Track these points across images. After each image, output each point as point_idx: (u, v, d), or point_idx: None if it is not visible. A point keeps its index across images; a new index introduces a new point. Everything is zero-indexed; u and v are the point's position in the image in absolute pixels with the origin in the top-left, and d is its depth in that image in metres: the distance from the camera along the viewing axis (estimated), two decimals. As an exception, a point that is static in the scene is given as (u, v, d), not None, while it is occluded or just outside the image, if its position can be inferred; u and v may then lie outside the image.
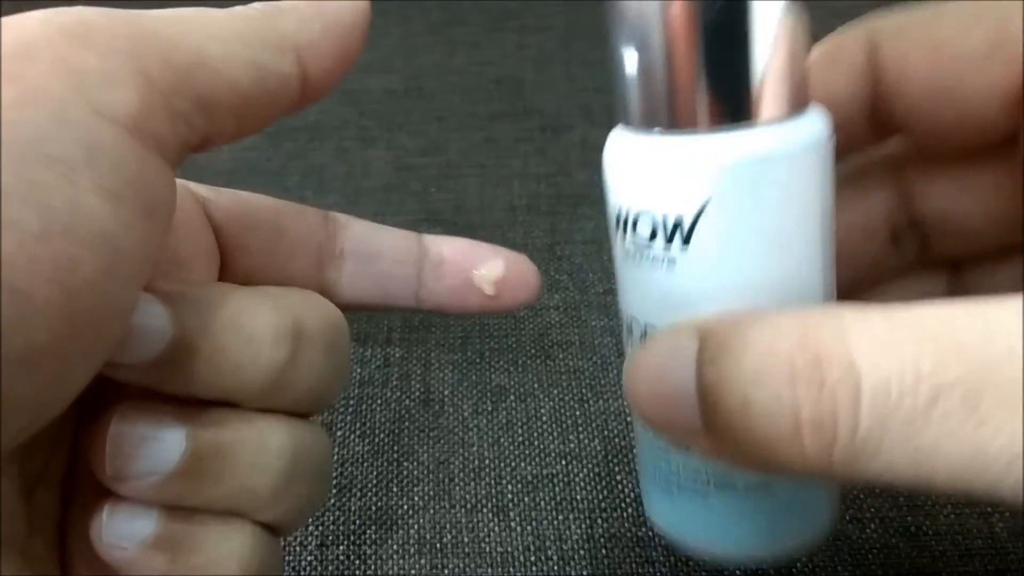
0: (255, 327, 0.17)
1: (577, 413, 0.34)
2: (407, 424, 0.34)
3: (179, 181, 0.21)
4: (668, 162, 0.17)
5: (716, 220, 0.16)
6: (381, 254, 0.23)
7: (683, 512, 0.20)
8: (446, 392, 0.35)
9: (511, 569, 0.29)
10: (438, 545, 0.30)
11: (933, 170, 0.22)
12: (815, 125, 0.17)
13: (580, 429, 0.33)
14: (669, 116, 0.17)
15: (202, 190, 0.22)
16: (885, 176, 0.22)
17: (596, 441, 0.33)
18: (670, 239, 0.17)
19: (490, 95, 0.53)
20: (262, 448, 0.18)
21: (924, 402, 0.12)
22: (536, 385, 0.35)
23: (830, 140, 0.17)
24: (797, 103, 0.17)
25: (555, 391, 0.35)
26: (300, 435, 0.19)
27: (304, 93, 0.18)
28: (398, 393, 0.35)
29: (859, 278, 0.23)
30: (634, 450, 0.21)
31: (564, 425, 0.33)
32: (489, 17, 0.60)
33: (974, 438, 0.12)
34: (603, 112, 0.51)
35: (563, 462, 0.32)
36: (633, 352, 0.18)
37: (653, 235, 0.17)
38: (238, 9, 0.18)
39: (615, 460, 0.32)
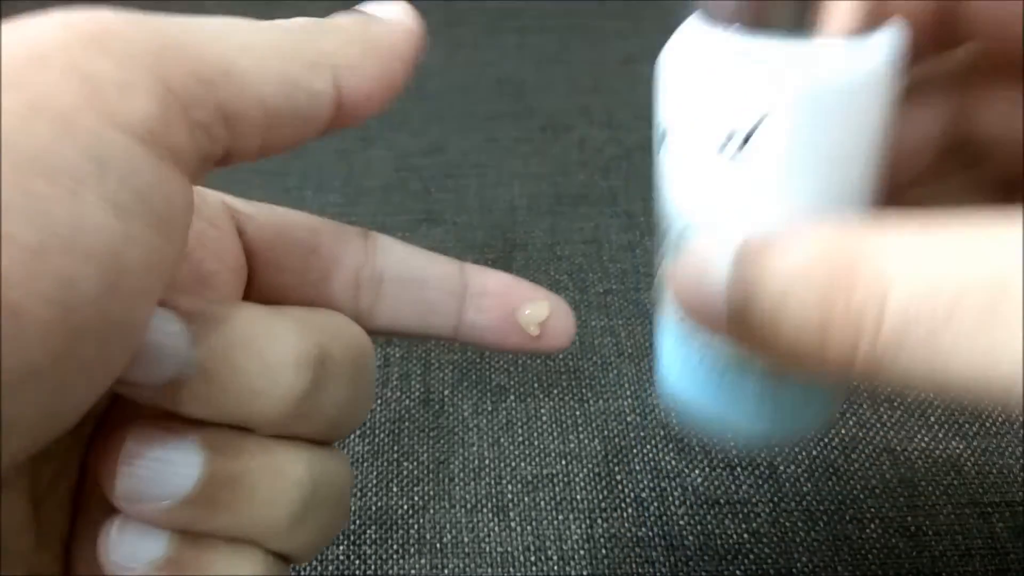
0: (275, 352, 0.16)
1: (577, 413, 0.34)
2: (407, 424, 0.34)
3: (213, 193, 0.21)
4: (738, 64, 0.17)
5: (776, 130, 0.17)
6: (422, 281, 0.22)
7: (699, 390, 0.20)
8: (446, 392, 0.35)
9: (511, 569, 0.29)
10: (438, 545, 0.30)
11: (994, 88, 0.21)
12: (891, 43, 0.17)
13: (580, 429, 0.33)
14: (749, 14, 0.17)
15: (237, 203, 0.21)
16: (945, 90, 0.22)
17: (596, 441, 0.33)
18: (728, 143, 0.17)
19: (490, 95, 0.53)
20: (280, 477, 0.17)
21: (945, 311, 0.13)
22: (536, 385, 0.35)
23: (902, 60, 0.17)
24: (878, 18, 0.17)
25: (555, 391, 0.35)
26: (320, 464, 0.18)
27: (338, 115, 0.17)
28: (398, 393, 0.35)
29: (904, 189, 0.23)
30: (654, 334, 0.22)
31: (564, 425, 0.33)
32: (489, 17, 0.60)
33: (991, 340, 0.13)
34: (603, 112, 0.51)
35: (563, 462, 0.32)
36: (674, 252, 0.19)
37: (711, 138, 0.17)
38: (277, 22, 0.17)
39: (615, 460, 0.32)
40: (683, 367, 0.20)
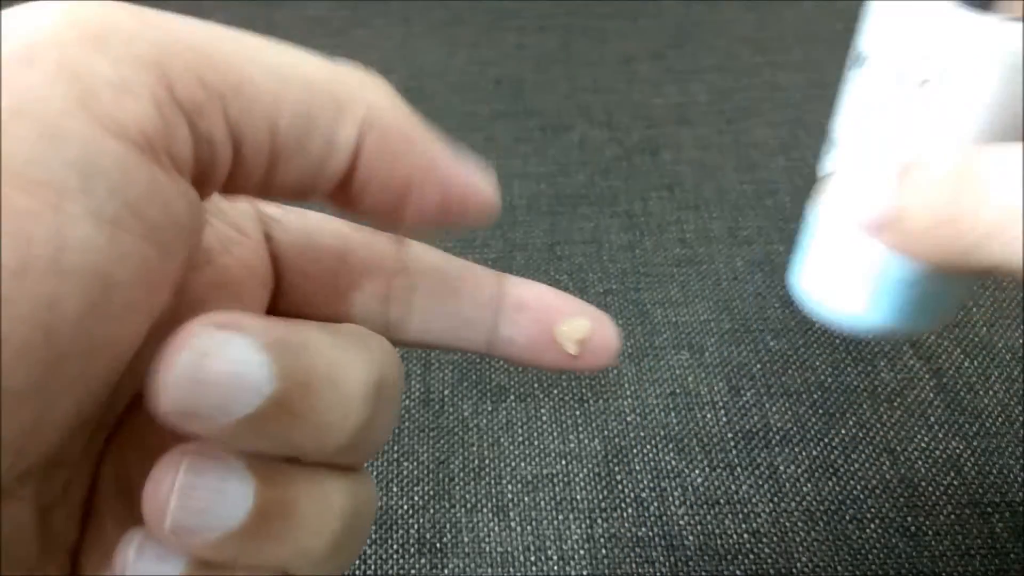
0: (350, 383, 0.15)
1: (577, 413, 0.34)
2: (407, 424, 0.34)
3: (243, 198, 0.20)
4: (952, 14, 0.19)
5: (970, 79, 0.19)
6: (456, 292, 0.20)
7: (839, 284, 0.23)
8: (446, 392, 0.35)
9: (511, 569, 0.29)
10: (438, 545, 0.30)
11: None
12: None
13: (580, 429, 0.33)
14: None
15: (268, 208, 0.20)
16: None
17: (596, 441, 0.33)
18: (925, 81, 0.19)
19: (490, 95, 0.53)
20: (327, 508, 0.16)
21: None
22: (536, 385, 0.35)
23: None
24: None
25: (555, 391, 0.35)
26: (358, 492, 0.17)
27: (345, 186, 0.16)
28: (398, 393, 0.35)
29: None
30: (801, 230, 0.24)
31: (564, 425, 0.33)
32: (489, 17, 0.60)
33: None
34: (603, 112, 0.51)
35: (563, 462, 0.32)
36: (848, 168, 0.22)
37: (909, 72, 0.20)
38: (318, 57, 0.16)
39: (615, 460, 0.32)
40: (824, 264, 0.23)
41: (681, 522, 0.30)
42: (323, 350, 0.15)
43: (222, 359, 0.13)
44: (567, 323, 0.20)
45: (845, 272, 0.22)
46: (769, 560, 0.29)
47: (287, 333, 0.15)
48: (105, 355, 0.13)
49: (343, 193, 0.16)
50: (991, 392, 0.34)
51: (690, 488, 0.31)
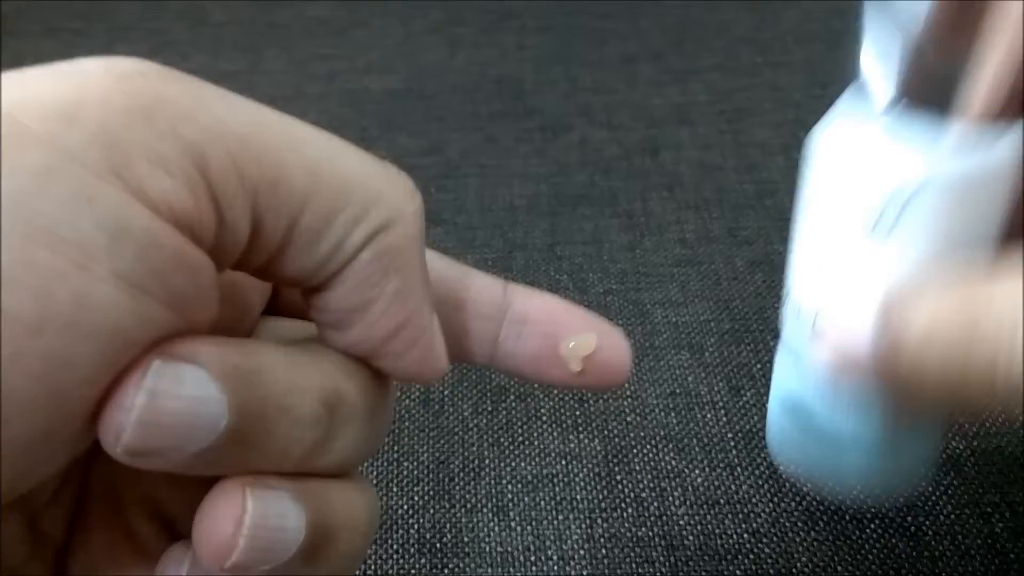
0: (303, 406, 0.15)
1: (577, 413, 0.34)
2: (407, 424, 0.34)
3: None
4: (891, 147, 0.19)
5: (922, 210, 0.19)
6: (459, 302, 0.20)
7: (815, 454, 0.23)
8: (446, 392, 0.35)
9: (511, 569, 0.29)
10: (438, 545, 0.30)
11: None
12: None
13: (580, 429, 0.33)
14: (907, 96, 0.19)
15: None
16: None
17: (596, 441, 0.33)
18: (876, 223, 0.20)
19: (490, 95, 0.53)
20: (358, 520, 0.17)
21: None
22: (536, 385, 0.35)
23: None
24: (1014, 113, 0.19)
25: (555, 391, 0.35)
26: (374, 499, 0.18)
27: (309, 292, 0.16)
28: (398, 393, 0.35)
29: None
30: (768, 403, 0.23)
31: (564, 425, 0.33)
32: (489, 17, 0.60)
33: None
34: (603, 112, 0.51)
35: (563, 462, 0.32)
36: (826, 313, 0.22)
37: (860, 216, 0.20)
38: (357, 153, 0.16)
39: (615, 460, 0.32)
40: (800, 436, 0.22)
41: (681, 522, 0.30)
42: (277, 374, 0.15)
43: (177, 397, 0.13)
44: (573, 338, 0.19)
45: (808, 440, 0.22)
46: (769, 560, 0.29)
47: (242, 359, 0.14)
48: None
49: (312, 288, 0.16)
50: (991, 392, 0.34)
51: (690, 488, 0.31)
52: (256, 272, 0.16)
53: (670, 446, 0.33)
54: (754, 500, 0.31)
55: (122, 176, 0.12)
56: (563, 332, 0.19)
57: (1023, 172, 0.19)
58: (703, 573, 0.28)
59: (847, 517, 0.30)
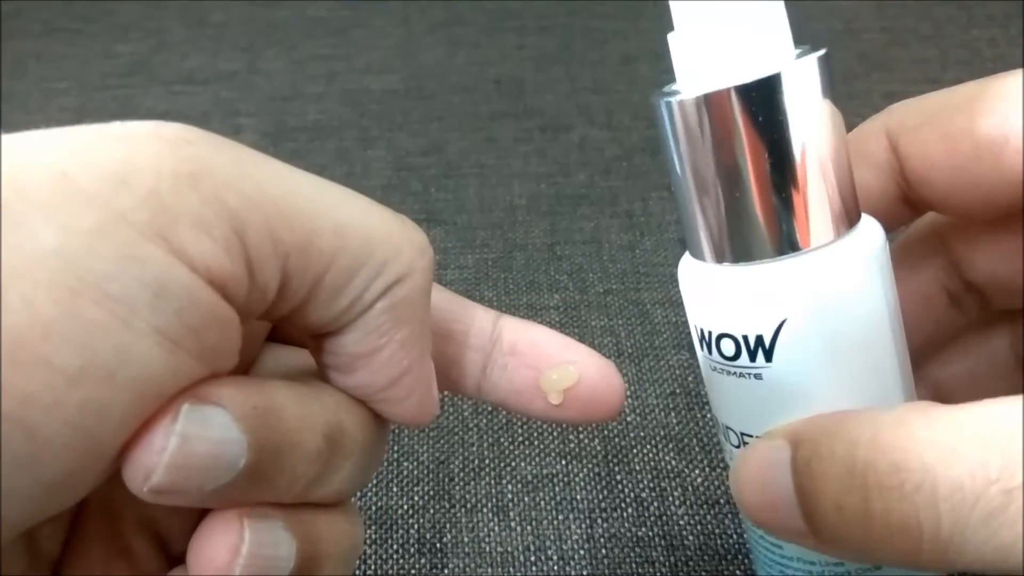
0: (310, 441, 0.16)
1: (577, 413, 0.34)
2: (407, 424, 0.34)
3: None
4: (741, 291, 0.18)
5: (794, 335, 0.18)
6: (447, 333, 0.19)
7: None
8: (446, 392, 0.35)
9: (511, 569, 0.29)
10: (438, 545, 0.30)
11: (974, 236, 0.22)
12: (870, 234, 0.18)
13: (580, 429, 0.33)
14: (735, 251, 0.18)
15: None
16: (932, 246, 0.23)
17: (596, 441, 0.33)
18: (753, 356, 0.18)
19: (490, 95, 0.53)
20: (347, 546, 0.17)
21: (998, 503, 0.14)
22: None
23: (885, 244, 0.19)
24: (852, 218, 0.18)
25: (555, 391, 0.35)
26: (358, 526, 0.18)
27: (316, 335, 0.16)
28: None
29: (928, 342, 0.24)
30: (744, 535, 0.22)
31: (564, 425, 0.33)
32: (489, 17, 0.60)
33: (1000, 539, 0.14)
34: (603, 112, 0.51)
35: (563, 462, 0.32)
36: (733, 459, 0.20)
37: (737, 354, 0.18)
38: (382, 210, 0.16)
39: (615, 460, 0.32)
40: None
41: (681, 522, 0.30)
42: (290, 411, 0.16)
43: (203, 440, 0.14)
44: (555, 371, 0.19)
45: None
46: (769, 560, 0.29)
47: (260, 400, 0.15)
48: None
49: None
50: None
51: (690, 488, 0.31)
52: (275, 321, 0.16)
53: (670, 446, 0.33)
54: (754, 500, 0.31)
55: (167, 238, 0.13)
56: (546, 364, 0.19)
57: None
58: (703, 573, 0.28)
59: (847, 517, 0.30)
